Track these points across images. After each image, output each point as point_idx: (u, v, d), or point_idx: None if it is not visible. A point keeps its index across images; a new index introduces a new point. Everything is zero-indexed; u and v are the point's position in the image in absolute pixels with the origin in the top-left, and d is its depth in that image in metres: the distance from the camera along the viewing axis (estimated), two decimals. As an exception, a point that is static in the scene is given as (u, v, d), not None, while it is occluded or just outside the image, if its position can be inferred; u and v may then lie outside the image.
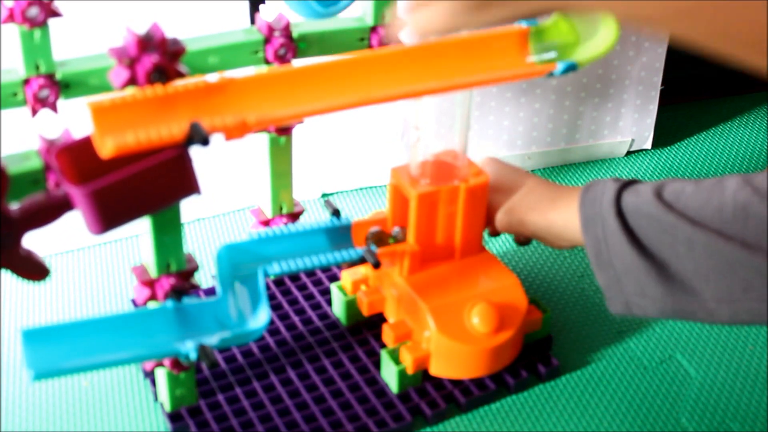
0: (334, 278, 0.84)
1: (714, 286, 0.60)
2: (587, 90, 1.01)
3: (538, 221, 0.73)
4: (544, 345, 0.79)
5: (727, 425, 0.74)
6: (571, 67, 0.69)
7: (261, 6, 0.89)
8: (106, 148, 0.56)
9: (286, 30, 0.72)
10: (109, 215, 0.57)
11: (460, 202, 0.74)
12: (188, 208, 0.79)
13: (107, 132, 0.57)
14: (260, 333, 0.68)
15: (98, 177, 0.56)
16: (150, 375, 0.75)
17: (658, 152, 1.08)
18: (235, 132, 0.59)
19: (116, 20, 0.80)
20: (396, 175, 0.74)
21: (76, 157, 0.58)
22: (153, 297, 0.66)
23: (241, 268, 0.71)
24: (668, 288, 0.62)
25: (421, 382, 0.75)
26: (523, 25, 0.70)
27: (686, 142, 1.11)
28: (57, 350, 0.63)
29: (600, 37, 0.71)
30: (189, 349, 0.64)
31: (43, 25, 0.63)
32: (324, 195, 0.99)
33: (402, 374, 0.73)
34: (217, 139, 0.59)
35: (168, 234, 0.64)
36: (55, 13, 0.63)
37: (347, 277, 0.79)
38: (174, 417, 0.71)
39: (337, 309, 0.81)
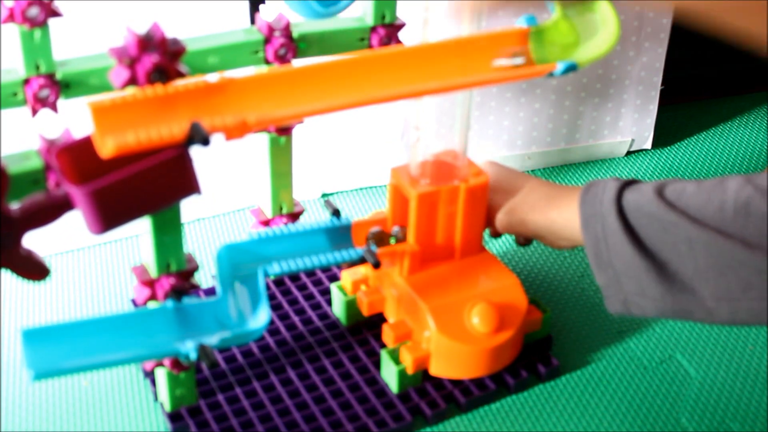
0: (334, 278, 0.84)
1: (714, 285, 0.60)
2: (587, 90, 1.01)
3: (538, 221, 0.73)
4: (544, 345, 0.79)
5: (727, 425, 0.74)
6: (571, 67, 0.69)
7: (261, 6, 0.89)
8: (106, 148, 0.56)
9: (286, 30, 0.72)
10: (109, 215, 0.57)
11: (460, 202, 0.74)
12: (188, 208, 0.79)
13: (107, 132, 0.57)
14: (260, 333, 0.68)
15: (98, 177, 0.56)
16: (150, 375, 0.75)
17: (658, 152, 1.09)
18: (235, 132, 0.59)
19: (116, 20, 0.80)
20: (396, 175, 0.74)
21: (77, 156, 0.58)
22: (153, 297, 0.66)
23: (241, 268, 0.71)
24: (668, 287, 0.62)
25: (421, 382, 0.75)
26: (523, 25, 0.70)
27: (686, 142, 1.11)
28: (57, 350, 0.63)
29: (600, 37, 0.71)
30: (189, 349, 0.64)
31: (43, 25, 0.63)
32: (324, 195, 0.99)
33: (402, 374, 0.73)
34: (217, 139, 0.59)
35: (168, 234, 0.64)
36: (55, 13, 0.63)
37: (347, 277, 0.79)
38: (174, 417, 0.71)
39: (337, 309, 0.81)
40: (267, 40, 0.72)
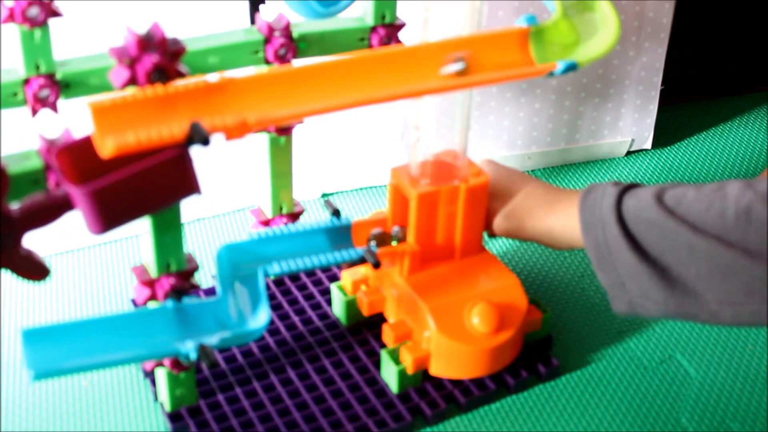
0: (334, 278, 0.84)
1: (716, 290, 0.60)
2: (587, 90, 1.01)
3: (536, 227, 0.73)
4: (544, 345, 0.79)
5: (727, 425, 0.74)
6: (571, 67, 0.69)
7: (261, 6, 0.89)
8: (106, 148, 0.56)
9: (286, 30, 0.72)
10: (109, 215, 0.57)
11: (460, 202, 0.74)
12: (188, 208, 0.79)
13: (107, 132, 0.57)
14: (260, 333, 0.68)
15: (98, 177, 0.56)
16: (150, 375, 0.75)
17: (658, 152, 1.08)
18: (235, 132, 0.59)
19: (116, 20, 0.80)
20: (396, 175, 0.74)
21: (77, 156, 0.58)
22: (153, 297, 0.66)
23: (241, 268, 0.71)
24: (671, 291, 0.62)
25: (421, 382, 0.75)
26: (523, 24, 0.70)
27: (686, 142, 1.11)
28: (57, 350, 0.63)
29: (600, 37, 0.71)
30: (189, 349, 0.64)
31: (43, 24, 0.63)
32: (324, 195, 0.99)
33: (402, 374, 0.73)
34: (217, 139, 0.59)
35: (168, 234, 0.64)
36: (55, 13, 0.63)
37: (347, 277, 0.79)
38: (174, 417, 0.71)
39: (337, 309, 0.81)
40: (267, 40, 0.72)
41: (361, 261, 0.74)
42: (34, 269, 0.60)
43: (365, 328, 0.80)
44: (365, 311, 0.77)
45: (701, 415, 0.74)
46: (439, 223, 0.75)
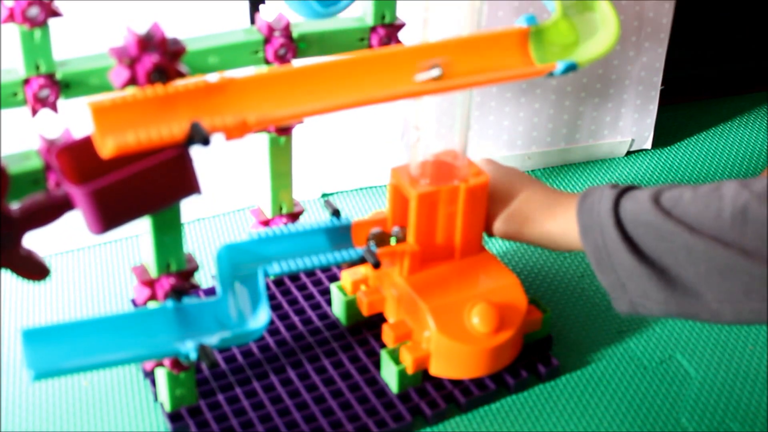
0: (334, 278, 0.84)
1: (716, 289, 0.61)
2: (587, 90, 1.01)
3: (535, 231, 0.73)
4: (544, 345, 0.79)
5: (727, 425, 0.74)
6: (571, 67, 0.69)
7: (261, 6, 0.89)
8: (106, 148, 0.56)
9: (286, 30, 0.72)
10: (109, 215, 0.57)
11: (460, 202, 0.74)
12: (188, 208, 0.79)
13: (108, 132, 0.57)
14: (260, 333, 0.68)
15: (98, 177, 0.56)
16: (150, 375, 0.75)
17: (658, 152, 1.08)
18: (235, 132, 0.59)
19: (116, 20, 0.80)
20: (396, 175, 0.74)
21: (77, 156, 0.58)
22: (153, 297, 0.66)
23: (241, 268, 0.71)
24: (671, 292, 0.63)
25: (421, 382, 0.75)
26: (523, 24, 0.70)
27: (686, 142, 1.11)
28: (57, 350, 0.63)
29: (600, 37, 0.71)
30: (189, 349, 0.64)
31: (43, 24, 0.63)
32: (324, 195, 0.99)
33: (402, 374, 0.73)
34: (217, 139, 0.59)
35: (168, 234, 0.64)
36: (55, 13, 0.63)
37: (347, 277, 0.79)
38: (174, 417, 0.71)
39: (337, 309, 0.81)
40: (267, 40, 0.72)
41: (361, 261, 0.74)
42: (34, 269, 0.60)
43: (365, 328, 0.80)
44: (365, 311, 0.77)
45: (701, 415, 0.74)
46: (439, 223, 0.75)
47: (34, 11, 0.62)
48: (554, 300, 0.86)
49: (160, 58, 0.59)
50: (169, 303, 0.66)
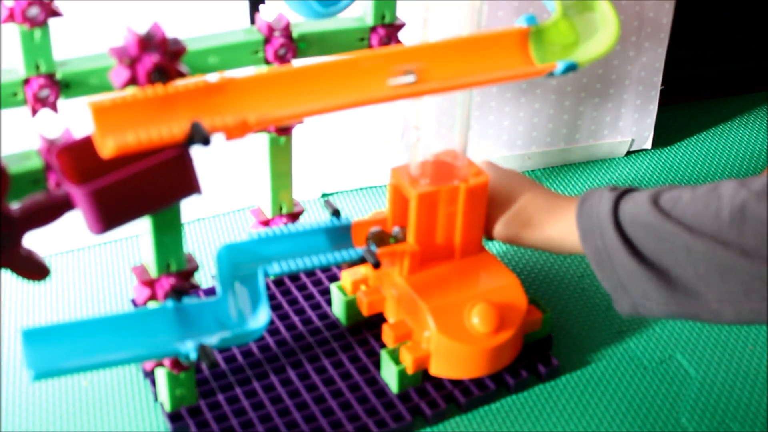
0: (334, 278, 0.84)
1: (716, 289, 0.61)
2: (587, 90, 1.01)
3: (535, 236, 0.73)
4: (544, 345, 0.79)
5: (727, 425, 0.74)
6: (571, 67, 0.69)
7: (261, 6, 0.89)
8: (106, 148, 0.56)
9: (286, 30, 0.72)
10: (109, 215, 0.57)
11: (460, 202, 0.74)
12: (188, 208, 0.79)
13: (108, 132, 0.57)
14: (260, 333, 0.68)
15: (99, 177, 0.56)
16: (150, 375, 0.75)
17: (658, 152, 1.09)
18: (235, 132, 0.59)
19: (116, 20, 0.80)
20: (396, 175, 0.74)
21: (77, 156, 0.58)
22: (153, 297, 0.66)
23: (241, 268, 0.71)
24: (671, 293, 0.63)
25: (421, 382, 0.75)
26: (523, 24, 0.70)
27: (686, 142, 1.11)
28: (57, 350, 0.63)
29: (600, 37, 0.71)
30: (189, 349, 0.64)
31: (43, 24, 0.63)
32: (324, 195, 0.99)
33: (402, 374, 0.73)
34: (217, 139, 0.59)
35: (168, 234, 0.64)
36: (55, 13, 0.63)
37: (347, 277, 0.79)
38: (174, 417, 0.71)
39: (337, 309, 0.81)
40: (267, 40, 0.72)
41: (361, 261, 0.74)
42: (34, 269, 0.60)
43: (365, 328, 0.80)
44: (365, 311, 0.77)
45: (701, 415, 0.74)
46: (439, 223, 0.75)
47: (34, 11, 0.62)
48: (554, 300, 0.86)
49: (160, 58, 0.59)
50: (169, 303, 0.66)
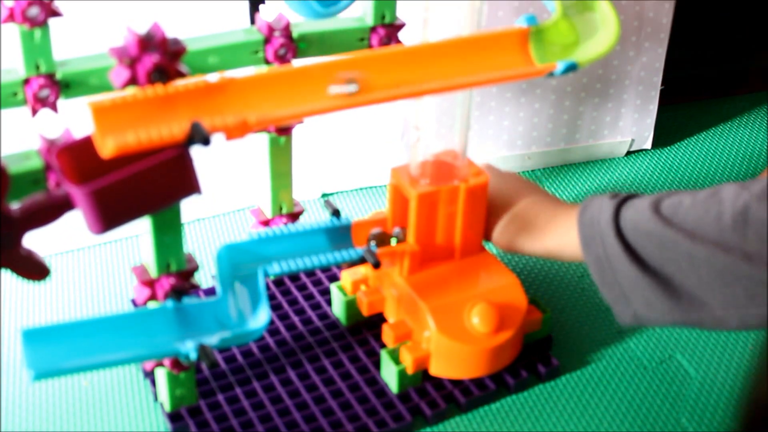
0: (334, 278, 0.84)
1: (720, 295, 0.60)
2: (587, 90, 1.01)
3: (534, 246, 0.73)
4: (544, 345, 0.79)
5: (727, 425, 0.74)
6: (571, 67, 0.69)
7: (261, 6, 0.89)
8: (106, 148, 0.56)
9: (286, 30, 0.72)
10: (109, 215, 0.57)
11: (460, 202, 0.74)
12: (188, 208, 0.79)
13: (108, 132, 0.57)
14: (260, 333, 0.68)
15: (99, 177, 0.56)
16: (150, 375, 0.75)
17: (658, 152, 1.08)
18: (235, 132, 0.59)
19: (116, 20, 0.80)
20: (396, 175, 0.74)
21: (77, 156, 0.58)
22: (153, 297, 0.66)
23: (241, 268, 0.71)
24: (675, 301, 0.62)
25: (421, 382, 0.75)
26: (523, 24, 0.70)
27: (686, 142, 1.11)
28: (57, 350, 0.63)
29: (600, 37, 0.71)
30: (189, 349, 0.64)
31: (43, 24, 0.63)
32: (324, 195, 0.99)
33: (402, 374, 0.73)
34: (217, 139, 0.59)
35: (168, 234, 0.64)
36: (55, 13, 0.63)
37: (347, 277, 0.79)
38: (174, 417, 0.71)
39: (337, 309, 0.81)
40: (267, 40, 0.72)
41: (361, 261, 0.74)
42: (34, 269, 0.60)
43: (365, 328, 0.80)
44: (365, 311, 0.77)
45: (701, 415, 0.74)
46: (439, 223, 0.75)
47: (34, 11, 0.62)
48: (554, 300, 0.86)
49: (160, 58, 0.59)
50: (169, 303, 0.66)
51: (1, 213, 0.57)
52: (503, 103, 0.98)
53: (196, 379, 0.72)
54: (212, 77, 0.61)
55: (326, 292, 0.83)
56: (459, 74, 0.67)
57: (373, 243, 0.73)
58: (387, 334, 0.74)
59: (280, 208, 0.83)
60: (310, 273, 0.85)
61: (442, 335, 0.71)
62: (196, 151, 0.59)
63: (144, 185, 0.57)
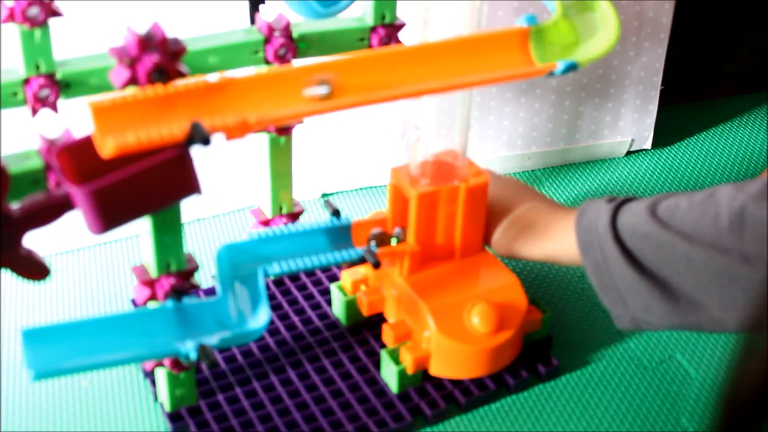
0: (334, 278, 0.84)
1: (718, 297, 0.60)
2: (587, 90, 1.01)
3: (532, 251, 0.73)
4: (544, 345, 0.79)
5: (727, 425, 0.73)
6: (571, 67, 0.69)
7: (261, 6, 0.89)
8: (106, 148, 0.56)
9: (286, 30, 0.72)
10: (109, 215, 0.57)
11: (460, 202, 0.74)
12: (188, 208, 0.79)
13: (108, 132, 0.57)
14: (260, 333, 0.68)
15: (99, 177, 0.56)
16: (150, 375, 0.75)
17: (658, 152, 1.08)
18: (235, 132, 0.59)
19: (116, 20, 0.80)
20: (396, 175, 0.74)
21: (77, 156, 0.58)
22: (153, 297, 0.66)
23: (241, 268, 0.71)
24: (673, 304, 0.62)
25: (421, 382, 0.75)
26: (523, 24, 0.70)
27: (686, 142, 1.11)
28: (57, 350, 0.63)
29: (600, 37, 0.71)
30: (189, 349, 0.64)
31: (43, 24, 0.63)
32: (324, 195, 0.99)
33: (402, 374, 0.73)
34: (217, 138, 0.59)
35: (168, 234, 0.64)
36: (55, 13, 0.63)
37: (347, 277, 0.79)
38: (174, 417, 0.71)
39: (337, 309, 0.81)
40: (267, 40, 0.72)
41: (361, 261, 0.74)
42: (34, 269, 0.60)
43: (365, 328, 0.80)
44: (365, 311, 0.77)
45: (701, 415, 0.74)
46: (439, 223, 0.75)
47: (34, 11, 0.62)
48: (554, 300, 0.86)
49: (160, 58, 0.59)
50: (169, 303, 0.66)
51: (1, 213, 0.57)
52: (503, 103, 0.98)
53: (196, 379, 0.72)
54: (212, 77, 0.61)
55: (326, 292, 0.83)
56: (459, 74, 0.67)
57: (373, 243, 0.73)
58: (387, 334, 0.74)
59: (280, 208, 0.83)
60: (310, 273, 0.85)
61: (442, 335, 0.71)
62: (196, 151, 0.59)
63: (144, 185, 0.57)
